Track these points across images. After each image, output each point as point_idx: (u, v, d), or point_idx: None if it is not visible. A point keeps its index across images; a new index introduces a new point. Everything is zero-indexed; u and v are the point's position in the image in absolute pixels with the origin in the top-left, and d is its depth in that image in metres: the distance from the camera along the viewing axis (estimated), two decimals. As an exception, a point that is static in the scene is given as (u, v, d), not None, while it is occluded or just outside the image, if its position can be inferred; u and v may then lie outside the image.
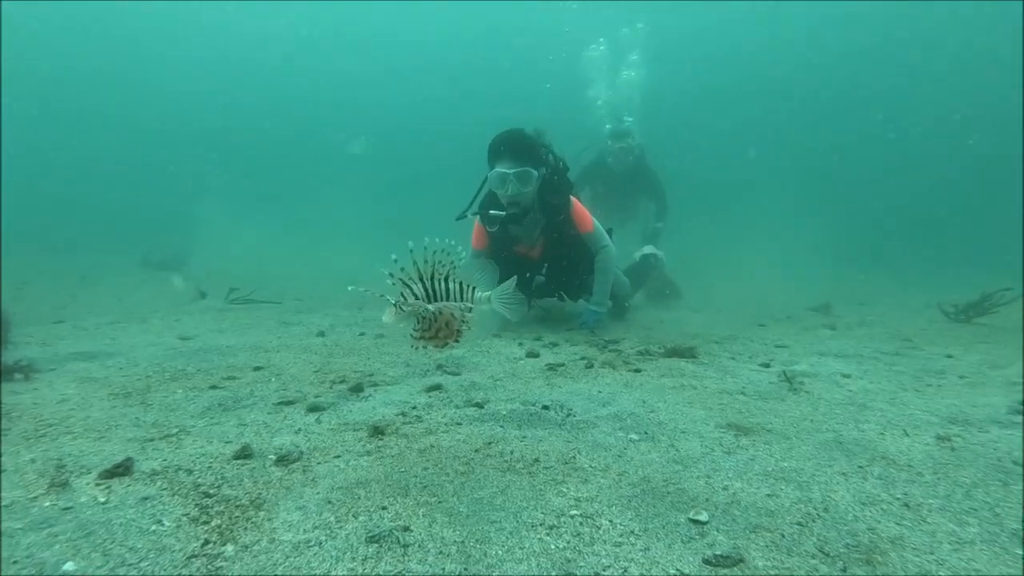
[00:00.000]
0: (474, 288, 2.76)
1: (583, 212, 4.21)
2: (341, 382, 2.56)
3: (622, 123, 7.34)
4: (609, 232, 4.38)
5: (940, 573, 1.06)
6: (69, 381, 2.42)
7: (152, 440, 1.76)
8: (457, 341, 2.72)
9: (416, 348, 2.63)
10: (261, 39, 24.99)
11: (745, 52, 22.89)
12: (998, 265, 9.65)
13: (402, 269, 2.53)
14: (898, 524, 1.25)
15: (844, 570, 1.06)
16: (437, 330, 2.57)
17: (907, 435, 1.80)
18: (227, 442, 1.77)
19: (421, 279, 2.63)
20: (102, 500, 1.31)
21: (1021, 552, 1.12)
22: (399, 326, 2.59)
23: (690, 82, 21.50)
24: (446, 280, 2.56)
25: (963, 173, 18.58)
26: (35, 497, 1.31)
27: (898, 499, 1.37)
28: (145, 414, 2.02)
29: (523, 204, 3.97)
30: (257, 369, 2.76)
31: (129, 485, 1.39)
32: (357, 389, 2.44)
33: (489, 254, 4.18)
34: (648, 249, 5.69)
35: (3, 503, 1.27)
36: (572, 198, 4.20)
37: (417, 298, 2.46)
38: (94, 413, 1.99)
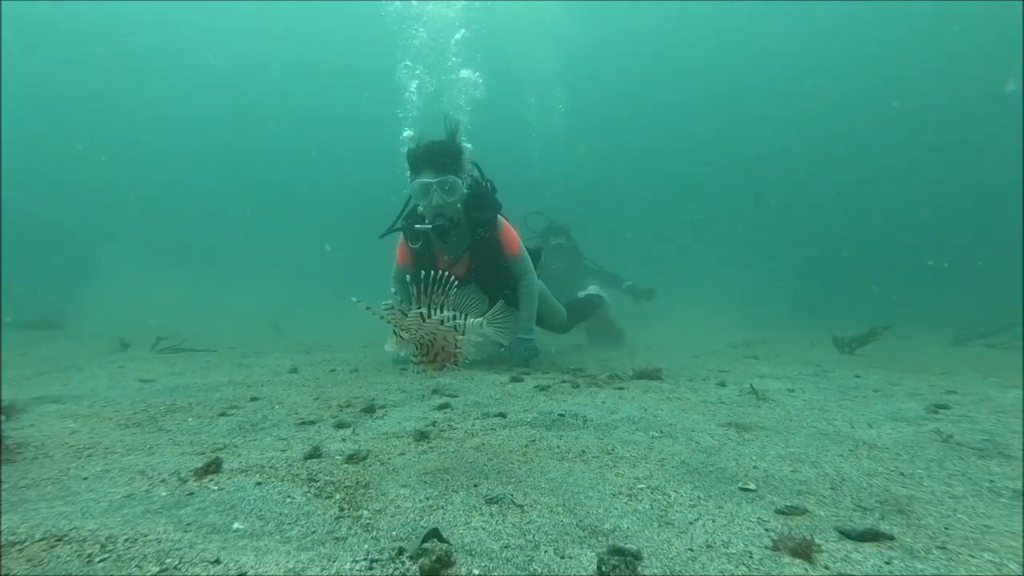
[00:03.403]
0: (467, 315, 3.00)
1: (512, 233, 4.11)
2: (348, 406, 2.64)
3: (555, 220, 7.58)
4: (538, 253, 4.39)
5: (959, 516, 1.38)
6: (60, 418, 2.30)
7: (204, 453, 1.79)
8: (456, 364, 2.94)
9: (418, 372, 2.81)
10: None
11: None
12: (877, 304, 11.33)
13: (400, 300, 2.71)
14: (904, 487, 1.56)
15: (882, 517, 1.37)
16: (435, 354, 2.79)
17: (871, 427, 2.25)
18: (283, 451, 1.83)
19: (418, 306, 2.83)
20: (216, 488, 1.37)
21: (1004, 500, 1.48)
22: (402, 354, 2.74)
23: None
24: (442, 308, 2.79)
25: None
26: (148, 489, 1.35)
27: (893, 471, 1.70)
28: (175, 437, 2.01)
29: (449, 216, 3.84)
30: (254, 399, 2.75)
31: (231, 478, 1.46)
32: (369, 410, 2.53)
33: (413, 271, 4.06)
34: (593, 289, 5.95)
35: (118, 495, 1.30)
36: (502, 218, 4.11)
37: (418, 322, 2.65)
38: (123, 438, 1.95)
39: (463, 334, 2.60)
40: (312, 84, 25.82)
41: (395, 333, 2.60)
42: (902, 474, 1.69)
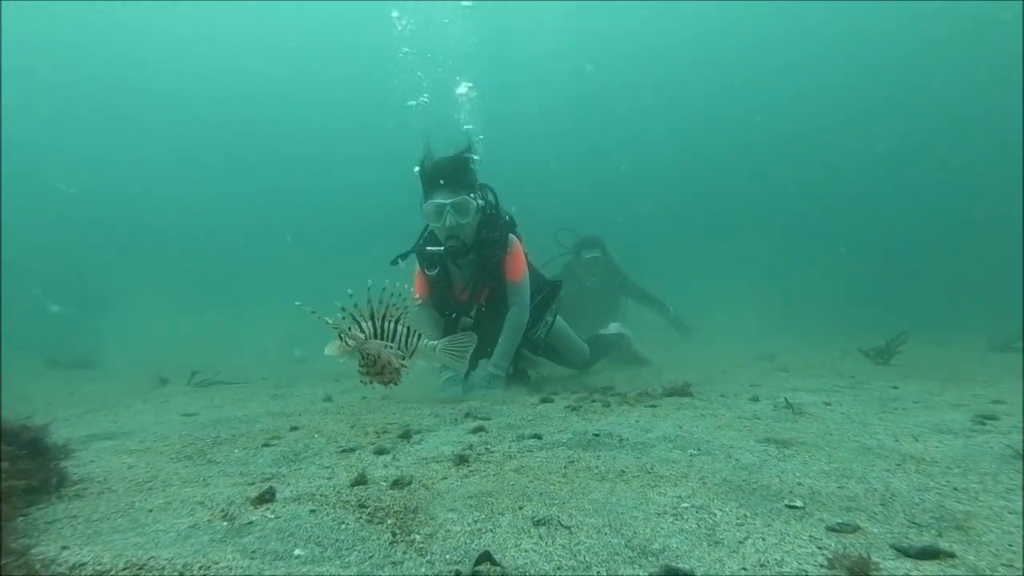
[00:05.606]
0: (420, 335, 3.02)
1: (519, 260, 3.97)
2: (384, 432, 2.68)
3: (590, 234, 7.47)
4: (558, 286, 4.28)
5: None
6: (116, 454, 2.38)
7: (255, 483, 1.84)
8: (397, 383, 2.98)
9: (364, 384, 2.86)
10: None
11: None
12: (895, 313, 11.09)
13: (355, 306, 2.70)
14: (959, 503, 1.51)
15: (940, 534, 1.32)
16: (382, 367, 2.86)
17: (917, 440, 2.18)
18: (328, 479, 1.88)
19: (372, 318, 2.89)
20: (273, 517, 1.42)
21: None
22: (340, 360, 2.76)
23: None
24: (396, 322, 2.86)
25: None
26: (209, 520, 1.40)
27: (946, 485, 1.65)
28: (225, 468, 2.07)
29: (463, 238, 3.78)
30: (294, 429, 2.81)
31: (285, 506, 1.51)
32: (406, 436, 2.57)
33: (433, 300, 3.97)
34: (614, 328, 6.02)
35: (183, 525, 1.36)
36: (516, 240, 4.01)
37: (366, 336, 2.75)
38: (178, 471, 2.02)
39: (409, 356, 2.69)
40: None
41: (340, 338, 2.69)
42: (955, 489, 1.65)
